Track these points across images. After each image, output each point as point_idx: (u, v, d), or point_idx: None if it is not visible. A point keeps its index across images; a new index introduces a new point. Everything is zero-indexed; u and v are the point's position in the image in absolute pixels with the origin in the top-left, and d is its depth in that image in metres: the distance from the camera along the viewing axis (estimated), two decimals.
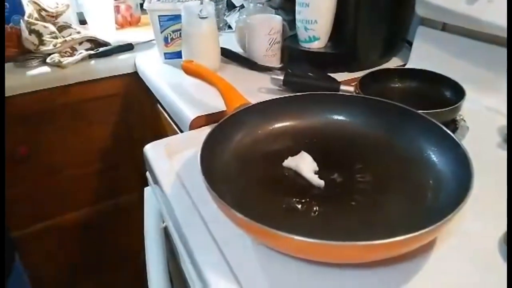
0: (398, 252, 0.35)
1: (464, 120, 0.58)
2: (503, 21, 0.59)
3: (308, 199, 0.42)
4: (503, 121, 0.57)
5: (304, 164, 0.46)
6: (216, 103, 0.62)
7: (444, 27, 0.75)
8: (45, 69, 0.92)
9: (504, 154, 0.53)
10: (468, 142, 0.53)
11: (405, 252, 0.36)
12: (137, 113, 1.03)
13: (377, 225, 0.39)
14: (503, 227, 0.40)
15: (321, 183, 0.44)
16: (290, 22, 0.86)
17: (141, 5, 1.20)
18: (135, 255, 0.83)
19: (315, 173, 0.46)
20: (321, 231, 0.38)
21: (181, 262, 0.46)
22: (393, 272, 0.37)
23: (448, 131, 0.44)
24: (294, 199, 0.42)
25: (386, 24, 0.79)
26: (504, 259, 0.38)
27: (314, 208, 0.41)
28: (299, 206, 0.42)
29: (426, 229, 0.32)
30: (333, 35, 0.80)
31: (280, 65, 0.84)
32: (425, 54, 0.76)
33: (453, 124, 0.57)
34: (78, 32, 1.02)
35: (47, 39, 0.96)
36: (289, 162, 0.48)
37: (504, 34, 0.60)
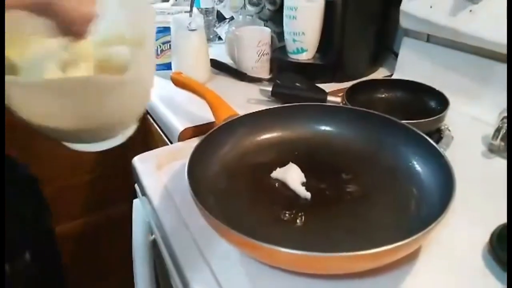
0: (383, 262, 0.36)
1: (449, 130, 0.59)
2: (484, 33, 0.61)
3: (295, 211, 0.43)
4: (487, 130, 0.58)
5: (292, 176, 0.46)
6: (205, 114, 0.63)
7: (429, 38, 0.76)
8: None
9: (488, 162, 0.54)
10: (452, 151, 0.55)
11: (390, 262, 0.36)
12: None
13: (363, 235, 0.39)
14: (488, 235, 0.40)
15: (308, 195, 0.45)
16: (279, 34, 0.87)
17: None
18: (125, 266, 0.82)
19: (303, 184, 0.46)
20: (307, 242, 0.38)
21: (170, 276, 0.46)
22: (380, 282, 0.37)
23: (431, 141, 0.45)
24: (281, 211, 0.43)
25: (372, 35, 0.81)
26: (488, 267, 0.38)
27: (301, 220, 0.42)
28: (286, 218, 0.42)
29: (410, 239, 0.32)
30: (320, 47, 0.81)
31: (269, 76, 0.85)
32: (410, 64, 0.78)
33: (438, 134, 0.58)
34: None
35: None
36: (277, 173, 0.48)
37: (486, 45, 0.62)
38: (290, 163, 0.49)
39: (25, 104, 0.32)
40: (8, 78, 0.30)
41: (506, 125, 0.52)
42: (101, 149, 0.40)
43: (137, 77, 0.36)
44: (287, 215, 0.42)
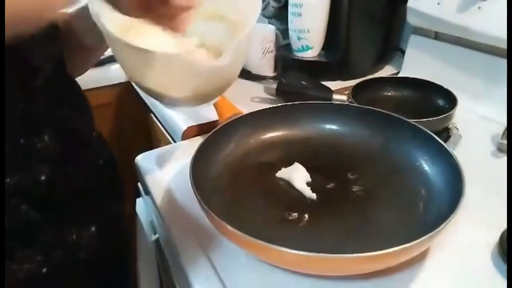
0: (390, 263, 0.35)
1: (457, 128, 0.58)
2: (493, 30, 0.60)
3: (300, 211, 0.42)
4: (496, 129, 0.57)
5: (297, 176, 0.46)
6: (208, 113, 0.62)
7: (436, 36, 0.75)
8: None
9: (497, 162, 0.53)
10: (461, 151, 0.54)
11: (398, 263, 0.35)
12: (130, 123, 1.03)
13: (370, 236, 0.38)
14: (497, 236, 0.39)
15: (313, 195, 0.44)
16: (284, 31, 0.86)
17: None
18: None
19: (308, 184, 0.46)
20: (313, 243, 0.38)
21: (172, 274, 0.45)
22: (387, 283, 0.36)
23: (440, 141, 0.44)
24: (286, 211, 0.42)
25: (378, 32, 0.80)
26: (498, 268, 0.37)
27: (306, 220, 0.41)
28: (291, 218, 0.41)
29: (418, 240, 0.31)
30: (326, 44, 0.80)
31: (273, 74, 0.84)
32: (417, 62, 0.76)
33: (446, 133, 0.57)
34: None
35: None
36: (283, 173, 0.47)
37: (495, 42, 0.61)
38: (296, 163, 0.48)
39: (135, 68, 0.37)
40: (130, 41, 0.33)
41: None
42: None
43: (231, 64, 0.37)
44: (292, 215, 0.42)
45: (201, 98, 0.42)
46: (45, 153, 0.38)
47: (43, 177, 0.38)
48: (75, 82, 0.47)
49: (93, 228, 0.42)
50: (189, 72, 0.36)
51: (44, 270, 0.38)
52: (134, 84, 0.40)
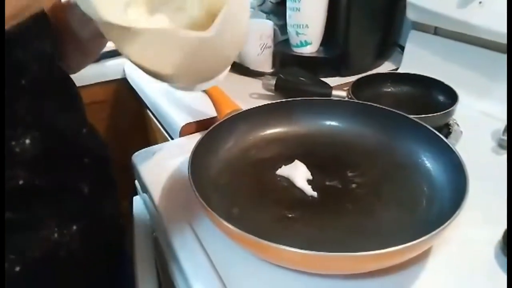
0: (393, 262, 0.34)
1: (458, 125, 0.57)
2: (494, 25, 0.59)
3: (301, 209, 0.41)
4: (497, 125, 0.56)
5: (298, 173, 0.45)
6: (206, 109, 0.61)
7: (436, 31, 0.74)
8: None
9: (498, 158, 0.53)
10: (461, 147, 0.53)
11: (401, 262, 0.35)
12: (127, 119, 1.02)
13: (372, 235, 0.38)
14: (500, 234, 0.39)
15: (314, 194, 0.43)
16: (282, 26, 0.85)
17: None
18: None
19: (309, 181, 0.45)
20: (314, 241, 0.37)
21: (171, 273, 0.45)
22: (390, 282, 0.36)
23: (442, 137, 0.43)
24: (287, 209, 0.41)
25: (378, 28, 0.79)
26: (501, 266, 0.37)
27: (307, 218, 0.40)
28: (292, 216, 0.41)
29: (421, 239, 0.31)
30: (325, 40, 0.79)
31: (271, 70, 0.83)
32: (417, 58, 0.76)
33: (447, 129, 0.56)
34: None
35: None
36: (283, 170, 0.47)
37: (496, 38, 0.60)
38: (296, 160, 0.47)
39: (127, 45, 0.35)
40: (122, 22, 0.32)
41: None
42: (198, 91, 0.46)
43: (220, 36, 0.35)
44: (293, 213, 0.41)
45: (197, 76, 0.41)
46: (24, 157, 0.37)
47: (21, 182, 0.37)
48: (68, 79, 0.46)
49: (75, 227, 0.41)
50: (174, 46, 0.35)
51: (18, 268, 0.37)
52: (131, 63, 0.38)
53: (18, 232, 0.37)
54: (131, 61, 0.37)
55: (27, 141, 0.37)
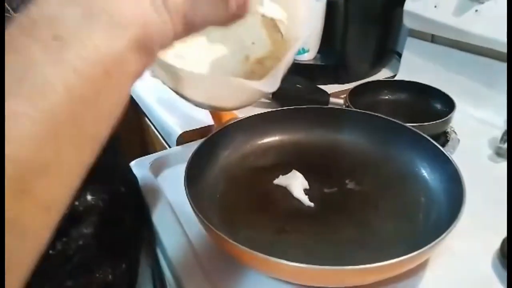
0: (391, 274, 0.34)
1: (455, 133, 0.57)
2: (491, 33, 0.59)
3: (298, 220, 0.41)
4: (494, 133, 0.56)
5: (295, 184, 0.45)
6: (204, 117, 0.61)
7: (433, 39, 0.75)
8: None
9: (496, 166, 0.53)
10: (459, 155, 0.53)
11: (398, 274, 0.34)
12: (123, 127, 1.01)
13: (369, 246, 0.38)
14: (497, 244, 0.39)
15: (311, 204, 0.43)
16: None
17: None
18: None
19: (306, 191, 0.45)
20: (312, 254, 0.37)
21: (168, 285, 0.44)
22: None
23: (439, 146, 0.43)
24: (284, 220, 0.41)
25: (375, 35, 0.79)
26: (499, 276, 0.37)
27: (305, 230, 0.40)
28: (289, 228, 0.40)
29: (418, 251, 0.31)
30: (322, 47, 0.79)
31: None
32: (414, 65, 0.76)
33: (444, 137, 0.56)
34: None
35: None
36: (280, 180, 0.46)
37: (493, 45, 0.60)
38: (293, 170, 0.47)
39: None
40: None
41: None
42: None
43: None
44: (290, 225, 0.41)
45: (229, 108, 0.45)
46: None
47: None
48: None
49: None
50: (237, 93, 0.39)
51: None
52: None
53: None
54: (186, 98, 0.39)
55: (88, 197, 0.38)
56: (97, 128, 0.22)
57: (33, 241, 0.19)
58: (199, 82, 0.37)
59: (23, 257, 0.18)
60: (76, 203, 0.38)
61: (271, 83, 0.38)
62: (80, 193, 0.38)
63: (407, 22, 0.74)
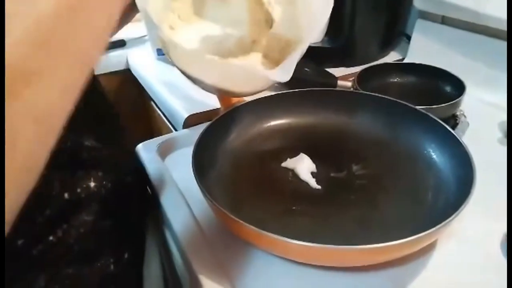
0: (398, 255, 0.34)
1: (465, 116, 0.57)
2: (503, 14, 0.58)
3: (306, 201, 0.41)
4: (504, 116, 0.56)
5: (303, 166, 0.44)
6: (210, 100, 0.61)
7: (443, 20, 0.73)
8: None
9: (505, 150, 0.52)
10: (468, 138, 0.52)
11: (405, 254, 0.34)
12: (130, 111, 1.01)
13: (376, 227, 0.38)
14: (505, 226, 0.39)
15: (318, 187, 0.43)
16: None
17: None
18: None
19: (313, 173, 0.45)
20: (319, 234, 0.37)
21: (177, 268, 0.45)
22: (393, 275, 0.36)
23: (449, 129, 0.43)
24: (292, 201, 0.41)
25: (384, 17, 0.78)
26: (506, 258, 0.37)
27: (312, 211, 0.40)
28: (297, 209, 0.40)
29: (426, 232, 0.30)
30: (330, 30, 0.77)
31: None
32: (424, 48, 0.75)
33: (453, 120, 0.56)
34: None
35: None
36: (288, 163, 0.46)
37: (505, 27, 0.59)
38: (301, 153, 0.47)
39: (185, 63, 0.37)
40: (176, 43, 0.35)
41: None
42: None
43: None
44: (297, 206, 0.41)
45: (237, 94, 0.44)
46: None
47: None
48: None
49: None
50: (252, 81, 0.39)
51: None
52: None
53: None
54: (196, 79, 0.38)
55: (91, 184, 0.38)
56: (86, 43, 0.23)
57: (23, 155, 0.19)
58: (211, 65, 0.36)
59: (12, 173, 0.18)
60: (79, 190, 0.38)
61: (285, 73, 0.38)
62: (83, 179, 0.39)
63: (417, 3, 0.72)
